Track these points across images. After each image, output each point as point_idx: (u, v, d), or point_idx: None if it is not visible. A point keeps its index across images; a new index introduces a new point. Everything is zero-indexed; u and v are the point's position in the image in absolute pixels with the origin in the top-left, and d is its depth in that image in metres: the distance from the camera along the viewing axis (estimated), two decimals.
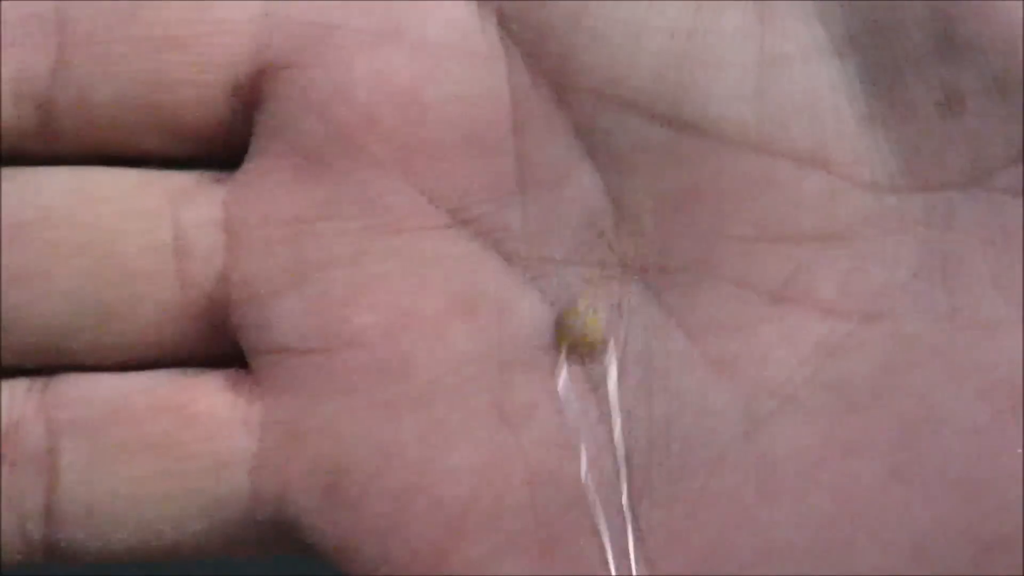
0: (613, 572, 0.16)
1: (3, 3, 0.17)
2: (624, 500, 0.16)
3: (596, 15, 0.16)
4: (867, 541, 0.15)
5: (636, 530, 0.16)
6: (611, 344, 0.17)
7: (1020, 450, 0.15)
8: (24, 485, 0.17)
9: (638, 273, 0.17)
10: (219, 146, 0.17)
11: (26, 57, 0.17)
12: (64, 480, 0.17)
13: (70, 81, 0.17)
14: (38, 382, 0.17)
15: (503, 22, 0.17)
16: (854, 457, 0.15)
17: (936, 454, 0.15)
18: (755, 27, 0.16)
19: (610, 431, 0.16)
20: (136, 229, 0.17)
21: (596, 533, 0.16)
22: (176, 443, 0.17)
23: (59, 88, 0.17)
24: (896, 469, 0.15)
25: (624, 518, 0.16)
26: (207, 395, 0.17)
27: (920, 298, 0.16)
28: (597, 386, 0.16)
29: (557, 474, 0.16)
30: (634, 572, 0.16)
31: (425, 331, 0.17)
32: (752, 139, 0.16)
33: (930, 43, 0.15)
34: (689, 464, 0.16)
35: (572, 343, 0.17)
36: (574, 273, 0.17)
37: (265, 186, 0.17)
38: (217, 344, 0.17)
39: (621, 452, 0.16)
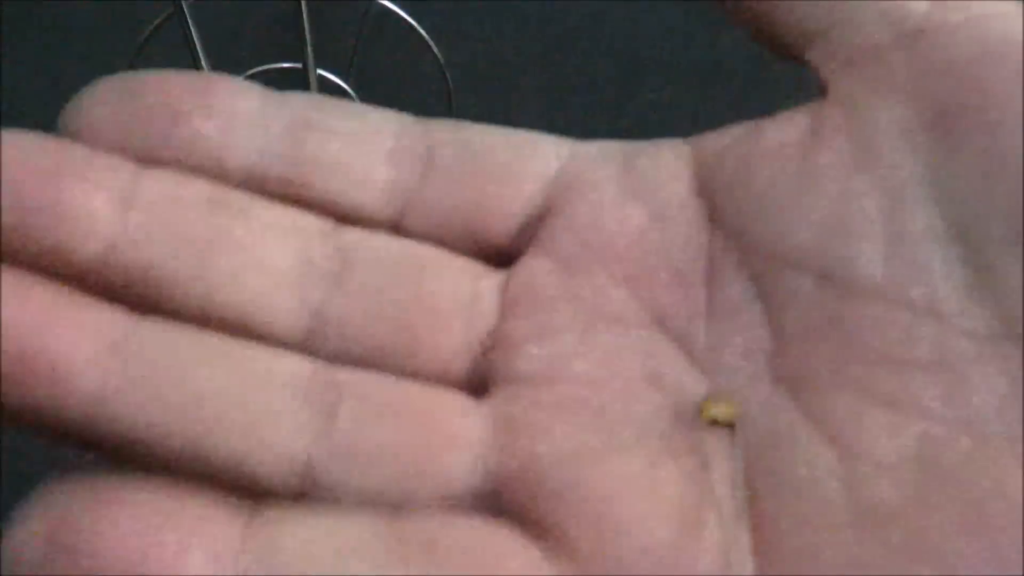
0: None
1: None
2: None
3: (775, 200, 0.23)
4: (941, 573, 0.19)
5: (756, 562, 0.20)
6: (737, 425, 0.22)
7: None
8: (315, 421, 0.21)
9: (785, 381, 0.22)
10: (507, 254, 0.24)
11: (406, 165, 0.25)
12: (339, 425, 0.21)
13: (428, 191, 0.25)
14: (331, 366, 0.22)
15: (710, 206, 0.24)
16: (934, 510, 0.19)
17: (1001, 520, 0.19)
18: (889, 211, 0.22)
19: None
20: (447, 288, 0.23)
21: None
22: (424, 453, 0.22)
23: (422, 191, 0.24)
24: (968, 526, 0.19)
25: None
26: (454, 412, 0.22)
27: (1006, 414, 0.20)
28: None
29: (700, 507, 0.21)
30: None
31: (621, 385, 0.22)
32: (881, 292, 0.21)
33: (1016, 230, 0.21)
34: (798, 510, 0.21)
35: (712, 419, 0.22)
36: (737, 376, 0.22)
37: (531, 273, 0.24)
38: (477, 380, 0.23)
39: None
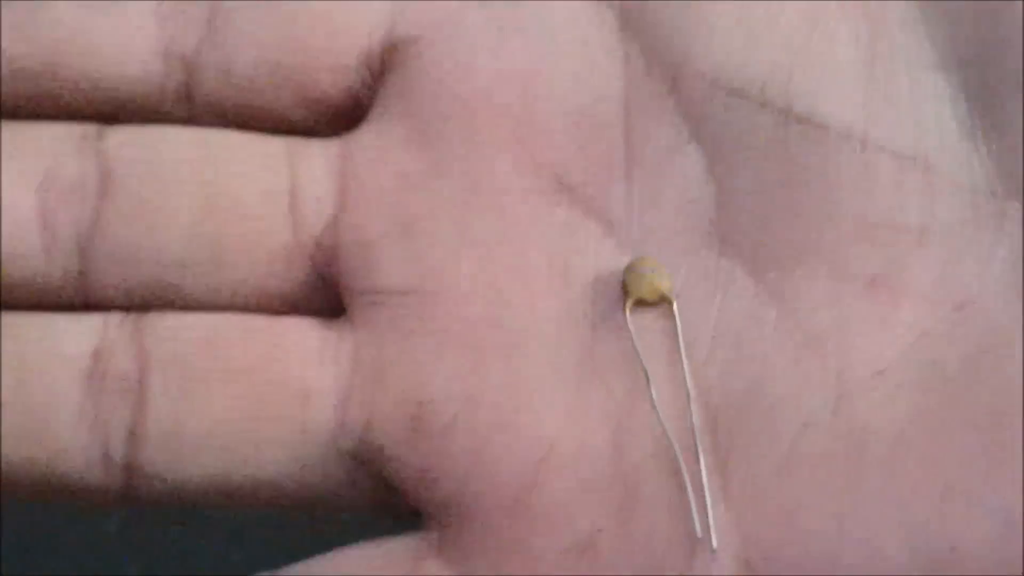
0: (696, 523, 0.16)
1: None
2: (700, 444, 0.16)
3: (716, 13, 0.18)
4: (958, 511, 0.15)
5: (722, 480, 0.16)
6: (675, 298, 0.17)
7: None
8: (111, 407, 0.17)
9: (736, 250, 0.17)
10: (342, 115, 0.19)
11: (180, 23, 0.18)
12: (152, 403, 0.17)
13: (216, 45, 0.18)
14: (131, 315, 0.18)
15: (623, 18, 0.18)
16: (943, 432, 0.16)
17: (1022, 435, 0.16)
18: (867, 37, 0.17)
19: (695, 388, 0.17)
20: (254, 173, 0.18)
21: (679, 484, 0.16)
22: (265, 371, 0.17)
23: (206, 51, 0.18)
24: (986, 445, 0.16)
25: (705, 471, 0.16)
26: (300, 330, 0.18)
27: (1011, 291, 0.16)
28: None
29: (644, 424, 0.17)
30: (711, 523, 0.16)
31: (521, 287, 0.17)
32: (857, 136, 0.17)
33: None
34: (778, 427, 0.16)
35: (639, 298, 0.17)
36: (674, 244, 0.18)
37: (379, 145, 0.18)
38: (317, 294, 0.18)
39: (691, 396, 0.17)
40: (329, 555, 0.17)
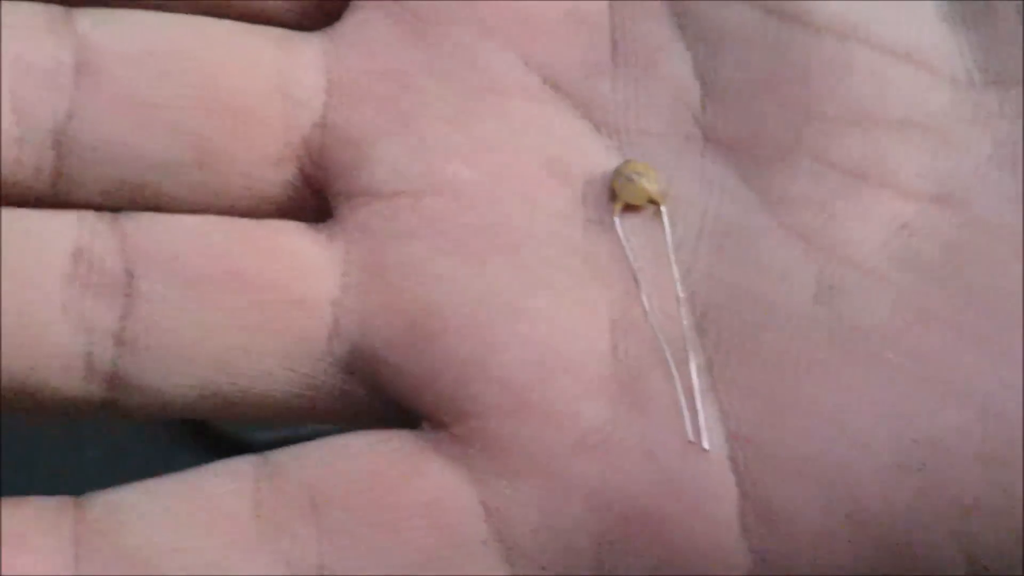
0: (687, 419, 0.16)
1: None
2: (690, 346, 0.16)
3: None
4: (941, 400, 0.16)
5: (711, 379, 0.16)
6: (663, 200, 0.17)
7: None
8: (95, 310, 0.16)
9: (722, 148, 0.17)
10: (326, 5, 0.18)
11: None
12: (139, 308, 0.16)
13: None
14: (110, 215, 0.17)
15: None
16: (925, 323, 0.16)
17: (1005, 322, 0.16)
18: None
19: (685, 291, 0.17)
20: (241, 67, 0.17)
21: (674, 384, 0.16)
22: (256, 275, 0.16)
23: None
24: (966, 335, 0.16)
25: (698, 368, 0.16)
26: (290, 233, 0.17)
27: (991, 183, 0.16)
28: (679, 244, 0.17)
29: (640, 323, 0.17)
30: (701, 418, 0.16)
31: (516, 187, 0.17)
32: (840, 27, 0.17)
33: None
34: (766, 323, 0.16)
35: (627, 202, 0.17)
36: (660, 144, 0.17)
37: (367, 39, 0.17)
38: (304, 197, 0.17)
39: (680, 299, 0.17)
40: (320, 442, 0.16)
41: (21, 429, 0.33)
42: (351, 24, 0.18)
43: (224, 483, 0.16)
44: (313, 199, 0.17)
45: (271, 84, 0.17)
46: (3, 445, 0.33)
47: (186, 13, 0.17)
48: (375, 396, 0.17)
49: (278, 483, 0.16)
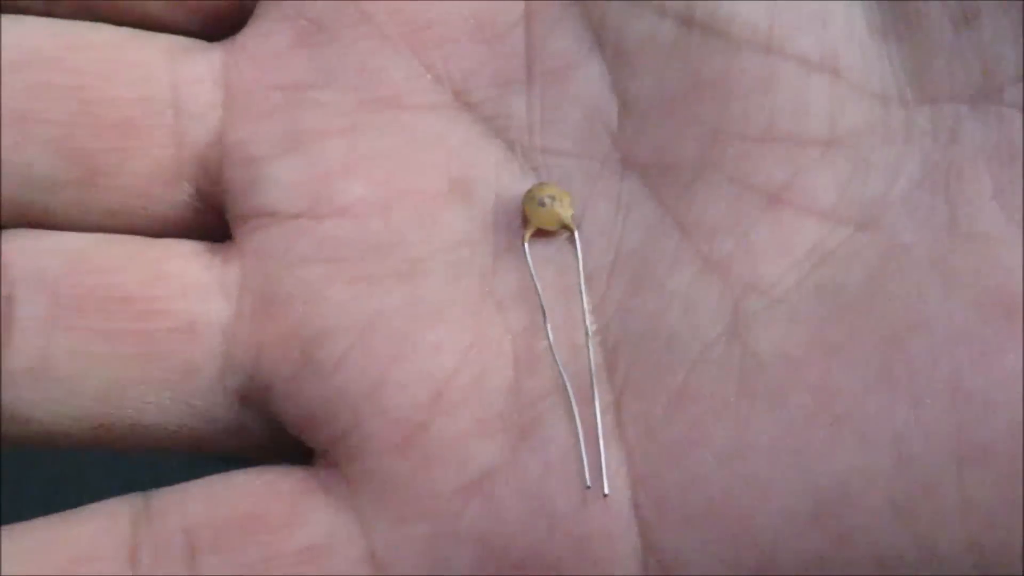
0: (584, 458, 0.15)
1: None
2: (596, 383, 0.16)
3: None
4: (848, 442, 0.14)
5: (618, 418, 0.15)
6: (576, 227, 0.16)
7: (1008, 357, 0.14)
8: None
9: (638, 169, 0.16)
10: (224, 16, 0.17)
11: None
12: (18, 334, 0.16)
13: None
14: None
15: None
16: (839, 359, 0.15)
17: (924, 359, 0.14)
18: None
19: (594, 324, 0.16)
20: (130, 78, 0.16)
21: (574, 421, 0.15)
22: (144, 300, 0.16)
23: None
24: (882, 372, 0.15)
25: (604, 407, 0.15)
26: (181, 255, 0.16)
27: (919, 209, 0.15)
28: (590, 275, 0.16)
29: (542, 360, 0.16)
30: (603, 460, 0.15)
31: (419, 209, 0.16)
32: (761, 41, 0.16)
33: None
34: (675, 359, 0.15)
35: (539, 224, 0.16)
36: (575, 165, 0.16)
37: (265, 49, 0.17)
38: (199, 218, 0.17)
39: (590, 334, 0.16)
40: (205, 481, 0.16)
41: None
42: (251, 34, 0.17)
43: (99, 526, 0.15)
44: (215, 219, 0.17)
45: (162, 97, 0.16)
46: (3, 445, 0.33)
47: (75, 19, 0.17)
48: (271, 428, 0.16)
49: (156, 527, 0.15)
